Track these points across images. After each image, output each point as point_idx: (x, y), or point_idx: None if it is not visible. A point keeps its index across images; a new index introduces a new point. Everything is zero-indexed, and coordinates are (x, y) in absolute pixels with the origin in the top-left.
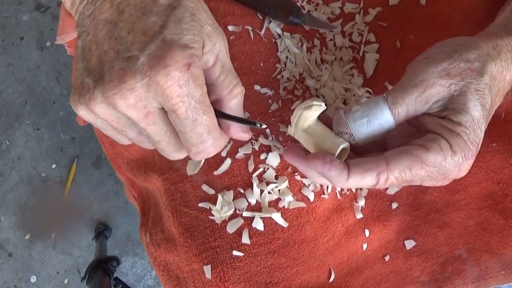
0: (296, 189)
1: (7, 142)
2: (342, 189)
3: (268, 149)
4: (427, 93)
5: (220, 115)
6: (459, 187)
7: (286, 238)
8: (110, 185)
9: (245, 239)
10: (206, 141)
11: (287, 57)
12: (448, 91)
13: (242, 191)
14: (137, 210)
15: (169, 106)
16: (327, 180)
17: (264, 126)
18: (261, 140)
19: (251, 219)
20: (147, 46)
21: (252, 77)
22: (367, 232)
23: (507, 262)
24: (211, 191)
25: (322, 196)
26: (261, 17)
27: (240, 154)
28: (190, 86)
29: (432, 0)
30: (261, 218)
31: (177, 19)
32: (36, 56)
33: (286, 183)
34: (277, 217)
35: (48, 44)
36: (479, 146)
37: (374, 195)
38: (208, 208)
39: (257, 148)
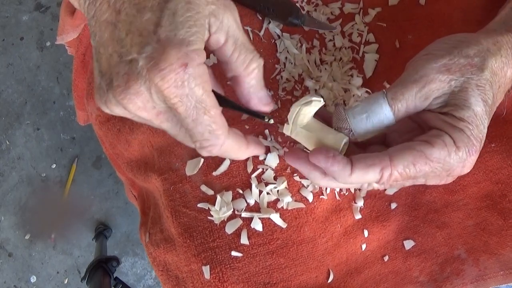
0: (295, 190)
1: (7, 142)
2: (341, 190)
3: (267, 150)
4: (426, 89)
5: (228, 104)
6: (458, 187)
7: (285, 238)
8: (110, 185)
9: (244, 240)
10: (207, 139)
11: (286, 57)
12: (448, 87)
13: (241, 191)
14: (137, 210)
15: (170, 106)
16: (330, 175)
17: (272, 121)
18: (260, 141)
19: (250, 219)
20: (143, 48)
21: None
22: (366, 233)
23: (506, 263)
24: (210, 192)
25: (321, 197)
26: (260, 18)
27: None
28: (189, 86)
29: (431, 0)
30: (260, 218)
31: (171, 12)
32: (36, 56)
33: (285, 184)
34: (275, 217)
35: (48, 44)
36: (483, 141)
37: (373, 195)
38: (207, 208)
39: None
